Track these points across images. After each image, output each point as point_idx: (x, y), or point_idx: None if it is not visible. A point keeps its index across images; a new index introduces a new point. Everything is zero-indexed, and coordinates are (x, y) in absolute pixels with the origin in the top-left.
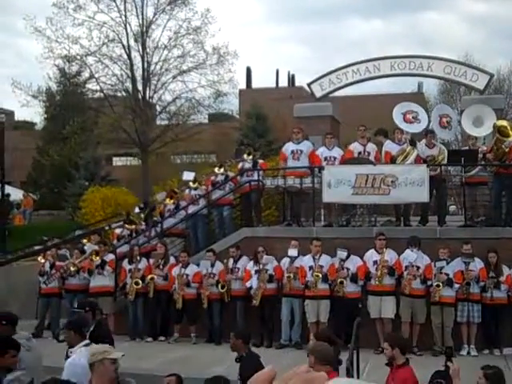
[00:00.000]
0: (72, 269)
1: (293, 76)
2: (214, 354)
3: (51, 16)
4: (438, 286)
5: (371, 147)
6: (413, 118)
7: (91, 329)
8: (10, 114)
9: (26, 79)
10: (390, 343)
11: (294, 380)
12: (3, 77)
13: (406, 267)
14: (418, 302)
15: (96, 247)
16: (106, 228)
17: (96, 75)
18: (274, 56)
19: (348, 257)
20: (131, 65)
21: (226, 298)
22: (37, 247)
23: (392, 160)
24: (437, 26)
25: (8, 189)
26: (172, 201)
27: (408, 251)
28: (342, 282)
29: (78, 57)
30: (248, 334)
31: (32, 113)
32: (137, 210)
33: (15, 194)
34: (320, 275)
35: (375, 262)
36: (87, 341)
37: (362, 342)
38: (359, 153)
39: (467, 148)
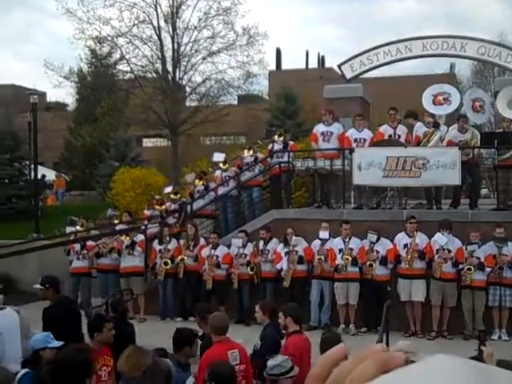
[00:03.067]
0: (104, 249)
1: (323, 57)
2: (242, 335)
3: None
4: (469, 269)
5: (401, 129)
6: (443, 99)
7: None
8: (42, 95)
9: (58, 60)
10: (284, 312)
11: (368, 360)
12: (36, 58)
13: (437, 250)
14: (448, 285)
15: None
16: (142, 227)
17: (126, 56)
18: (303, 37)
19: (378, 240)
20: (161, 46)
21: (255, 280)
22: (69, 229)
23: (418, 143)
24: (471, 6)
25: (41, 169)
26: (201, 182)
27: (439, 234)
28: (371, 265)
29: (109, 38)
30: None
31: (64, 94)
32: (166, 190)
33: (48, 174)
34: (350, 258)
35: (405, 246)
36: None
37: (392, 325)
38: (389, 135)
39: (501, 130)
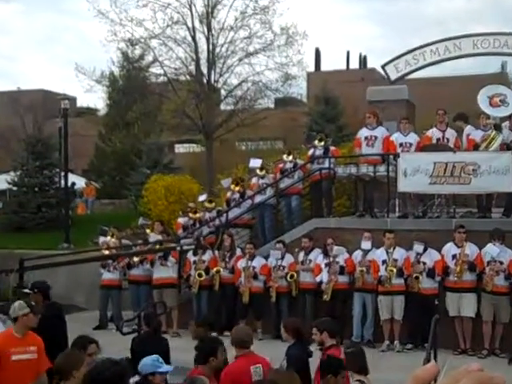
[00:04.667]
0: (135, 259)
1: (364, 57)
2: (281, 351)
3: None
4: None
5: (450, 133)
6: (500, 101)
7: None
8: (72, 99)
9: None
10: (318, 328)
11: (466, 379)
12: (66, 62)
13: (488, 262)
14: (501, 299)
15: (159, 237)
16: (178, 249)
17: (160, 58)
18: (344, 36)
19: (425, 250)
20: (196, 47)
21: (294, 291)
22: (101, 240)
23: (475, 147)
24: None
25: (70, 177)
26: (238, 188)
27: (490, 245)
28: (417, 277)
29: (142, 40)
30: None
31: (94, 99)
32: (201, 198)
33: (77, 182)
34: (394, 269)
35: (454, 257)
36: None
37: (440, 341)
38: (437, 139)
39: None
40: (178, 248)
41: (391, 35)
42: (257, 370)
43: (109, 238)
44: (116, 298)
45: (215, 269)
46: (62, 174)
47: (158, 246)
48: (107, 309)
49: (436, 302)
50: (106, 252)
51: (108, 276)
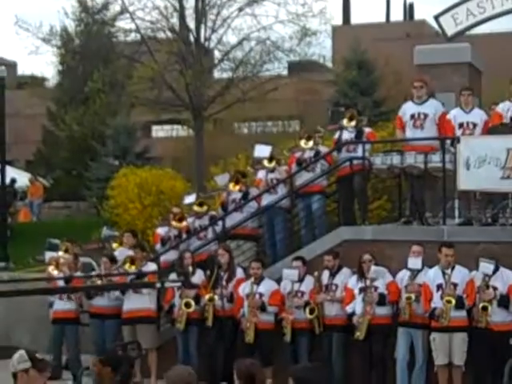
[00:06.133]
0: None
1: (410, 6)
2: None
3: None
4: None
5: None
6: None
7: None
8: (11, 66)
9: (34, 17)
10: (293, 377)
11: None
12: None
13: None
14: None
15: (131, 253)
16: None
17: (130, 8)
18: None
19: (496, 271)
20: None
21: (317, 328)
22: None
23: None
24: None
25: (9, 171)
26: (238, 187)
27: None
28: (485, 308)
29: None
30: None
31: (42, 64)
32: (188, 199)
33: (19, 178)
34: (453, 298)
35: None
36: None
37: None
38: (511, 117)
39: None
40: (158, 285)
41: None
42: None
43: (61, 253)
44: (72, 337)
45: (207, 296)
46: None
47: (128, 264)
48: (61, 351)
49: (511, 342)
50: (55, 272)
51: (61, 306)
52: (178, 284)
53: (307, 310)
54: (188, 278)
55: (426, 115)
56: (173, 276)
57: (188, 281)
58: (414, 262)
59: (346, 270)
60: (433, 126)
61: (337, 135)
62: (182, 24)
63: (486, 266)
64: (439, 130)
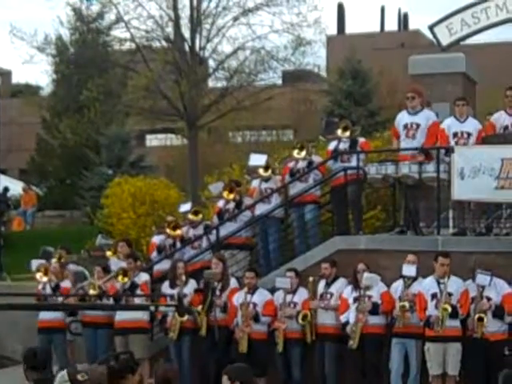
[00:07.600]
0: (92, 292)
1: (405, 15)
2: None
3: None
4: None
5: None
6: None
7: None
8: (6, 74)
9: (29, 25)
10: (228, 376)
11: None
12: None
13: None
14: None
15: (124, 264)
16: None
17: (125, 17)
18: None
19: (491, 281)
20: (174, 3)
21: (309, 337)
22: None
23: None
24: None
25: (3, 180)
26: (232, 196)
27: None
28: (481, 319)
29: None
30: None
31: (36, 73)
32: (183, 208)
33: (12, 187)
34: (448, 308)
35: None
36: None
37: None
38: (505, 127)
39: None
40: (152, 308)
41: None
42: None
43: (54, 260)
44: (60, 347)
45: (200, 306)
46: None
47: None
48: (50, 362)
49: (506, 352)
50: (44, 278)
51: (47, 315)
52: (172, 309)
53: (300, 315)
54: (182, 303)
55: (418, 125)
56: (165, 285)
57: (182, 305)
58: (409, 270)
59: (342, 280)
60: (423, 136)
61: (331, 145)
62: (177, 33)
63: (484, 278)
64: (427, 138)
